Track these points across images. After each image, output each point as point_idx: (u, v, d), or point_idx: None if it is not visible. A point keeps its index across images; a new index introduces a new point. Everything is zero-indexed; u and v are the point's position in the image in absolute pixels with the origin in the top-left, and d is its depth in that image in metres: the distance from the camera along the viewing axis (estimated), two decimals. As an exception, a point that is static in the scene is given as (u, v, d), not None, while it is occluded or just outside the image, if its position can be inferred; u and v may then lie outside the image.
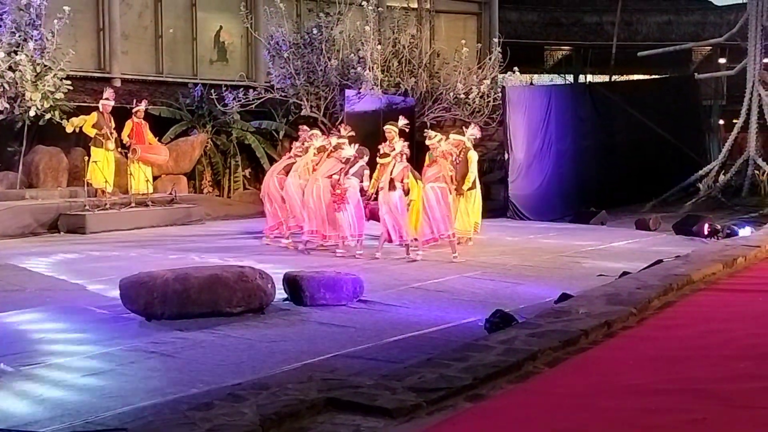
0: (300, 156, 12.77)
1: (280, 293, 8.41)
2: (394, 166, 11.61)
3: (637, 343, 6.10)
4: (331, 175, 11.91)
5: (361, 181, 11.98)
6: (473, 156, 13.15)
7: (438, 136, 12.01)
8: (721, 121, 29.14)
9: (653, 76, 27.49)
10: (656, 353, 5.80)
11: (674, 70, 27.86)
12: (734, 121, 21.01)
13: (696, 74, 24.56)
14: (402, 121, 12.28)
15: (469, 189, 13.09)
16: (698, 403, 4.63)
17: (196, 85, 18.69)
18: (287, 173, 12.76)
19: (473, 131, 13.27)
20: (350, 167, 11.89)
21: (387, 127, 12.40)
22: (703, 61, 31.99)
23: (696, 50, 31.12)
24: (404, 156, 11.70)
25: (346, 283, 8.56)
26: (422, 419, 4.33)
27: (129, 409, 5.14)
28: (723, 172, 19.92)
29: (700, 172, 19.91)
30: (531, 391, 4.91)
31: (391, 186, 11.50)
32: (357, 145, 12.21)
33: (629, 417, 4.45)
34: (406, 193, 11.71)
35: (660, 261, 9.54)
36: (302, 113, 17.51)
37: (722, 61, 29.59)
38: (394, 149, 11.75)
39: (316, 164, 12.43)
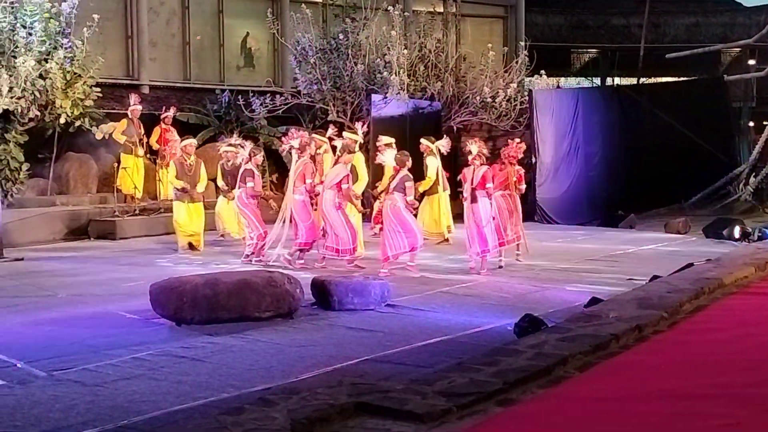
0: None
1: (308, 298, 8.45)
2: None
3: (668, 347, 6.04)
4: (339, 184, 10.80)
5: (405, 195, 10.56)
6: (429, 162, 13.53)
7: (476, 145, 11.42)
8: (751, 123, 28.85)
9: (682, 79, 27.26)
10: (688, 357, 5.75)
11: (703, 72, 27.63)
12: (765, 123, 20.82)
13: (725, 76, 24.32)
14: (444, 141, 12.94)
15: (428, 193, 13.58)
16: (731, 408, 4.57)
17: (223, 91, 18.76)
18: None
19: (443, 142, 13.43)
20: (391, 180, 10.76)
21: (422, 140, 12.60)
22: (733, 63, 31.68)
23: (725, 52, 30.83)
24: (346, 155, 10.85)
25: (374, 288, 8.57)
26: (453, 424, 4.31)
27: (160, 413, 5.17)
28: (753, 174, 19.70)
29: (730, 175, 19.71)
30: (562, 395, 4.87)
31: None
32: (395, 150, 11.26)
33: (661, 422, 4.41)
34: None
35: (691, 264, 9.45)
36: (329, 118, 17.53)
37: (752, 62, 29.30)
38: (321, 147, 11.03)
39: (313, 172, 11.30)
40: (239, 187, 11.71)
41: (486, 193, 10.73)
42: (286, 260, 10.99)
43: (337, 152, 11.52)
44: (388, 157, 11.04)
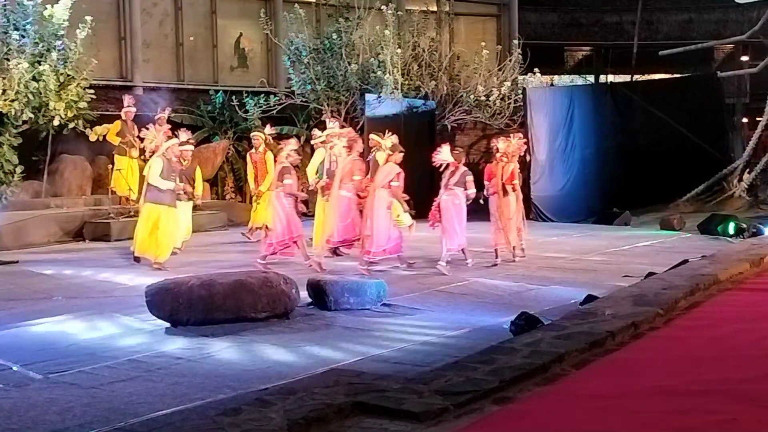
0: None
1: (305, 298, 8.45)
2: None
3: (664, 344, 6.06)
4: (389, 183, 10.73)
5: (466, 189, 10.88)
6: (378, 156, 12.66)
7: (504, 143, 11.65)
8: (745, 120, 28.88)
9: (675, 75, 27.27)
10: (684, 354, 5.76)
11: (696, 69, 27.62)
12: (758, 119, 20.77)
13: (718, 72, 24.33)
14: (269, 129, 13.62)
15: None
16: (728, 404, 4.58)
17: (217, 91, 18.77)
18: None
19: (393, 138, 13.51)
20: (450, 177, 10.94)
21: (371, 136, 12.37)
22: (726, 59, 31.69)
23: (718, 48, 30.82)
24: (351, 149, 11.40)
25: (370, 287, 8.57)
26: (449, 423, 4.32)
27: (157, 415, 5.17)
28: (747, 170, 19.73)
29: (724, 171, 19.73)
30: (558, 393, 4.88)
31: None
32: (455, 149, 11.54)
33: (658, 419, 4.42)
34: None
35: (686, 261, 9.46)
36: (323, 118, 17.54)
37: (745, 58, 29.30)
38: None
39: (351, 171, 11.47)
40: (276, 186, 11.30)
41: (513, 188, 11.38)
42: (315, 263, 10.76)
43: (387, 151, 11.73)
44: (445, 154, 11.14)
